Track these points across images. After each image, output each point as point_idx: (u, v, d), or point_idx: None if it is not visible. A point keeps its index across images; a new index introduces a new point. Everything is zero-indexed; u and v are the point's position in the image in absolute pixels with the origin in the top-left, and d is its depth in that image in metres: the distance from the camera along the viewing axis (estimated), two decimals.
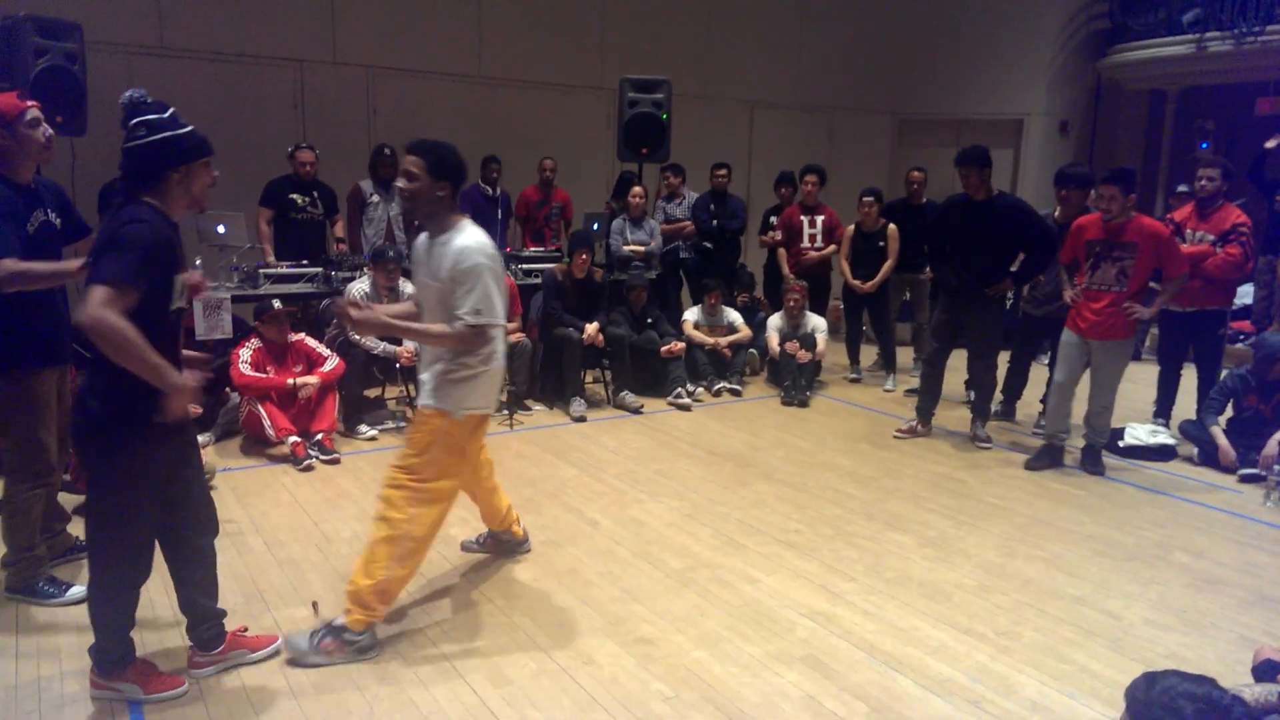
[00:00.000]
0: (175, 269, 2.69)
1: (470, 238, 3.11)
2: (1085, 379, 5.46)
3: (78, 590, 3.46)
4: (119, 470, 2.68)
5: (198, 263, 6.04)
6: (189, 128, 2.71)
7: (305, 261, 6.48)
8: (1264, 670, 2.73)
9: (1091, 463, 5.42)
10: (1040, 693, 3.02)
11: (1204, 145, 11.22)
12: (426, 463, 3.16)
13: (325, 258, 6.58)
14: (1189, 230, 5.81)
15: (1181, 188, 7.66)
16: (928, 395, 6.07)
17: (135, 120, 2.66)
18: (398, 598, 3.32)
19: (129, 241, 2.51)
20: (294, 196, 6.79)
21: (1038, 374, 6.55)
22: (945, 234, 5.84)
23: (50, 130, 3.41)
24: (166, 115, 2.69)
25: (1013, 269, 5.74)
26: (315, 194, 6.91)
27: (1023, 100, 11.36)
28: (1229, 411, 5.69)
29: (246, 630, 3.18)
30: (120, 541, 2.76)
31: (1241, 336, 8.48)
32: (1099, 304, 5.16)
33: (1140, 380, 7.80)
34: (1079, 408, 5.52)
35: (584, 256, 6.53)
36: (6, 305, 3.24)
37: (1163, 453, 5.70)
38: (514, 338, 6.36)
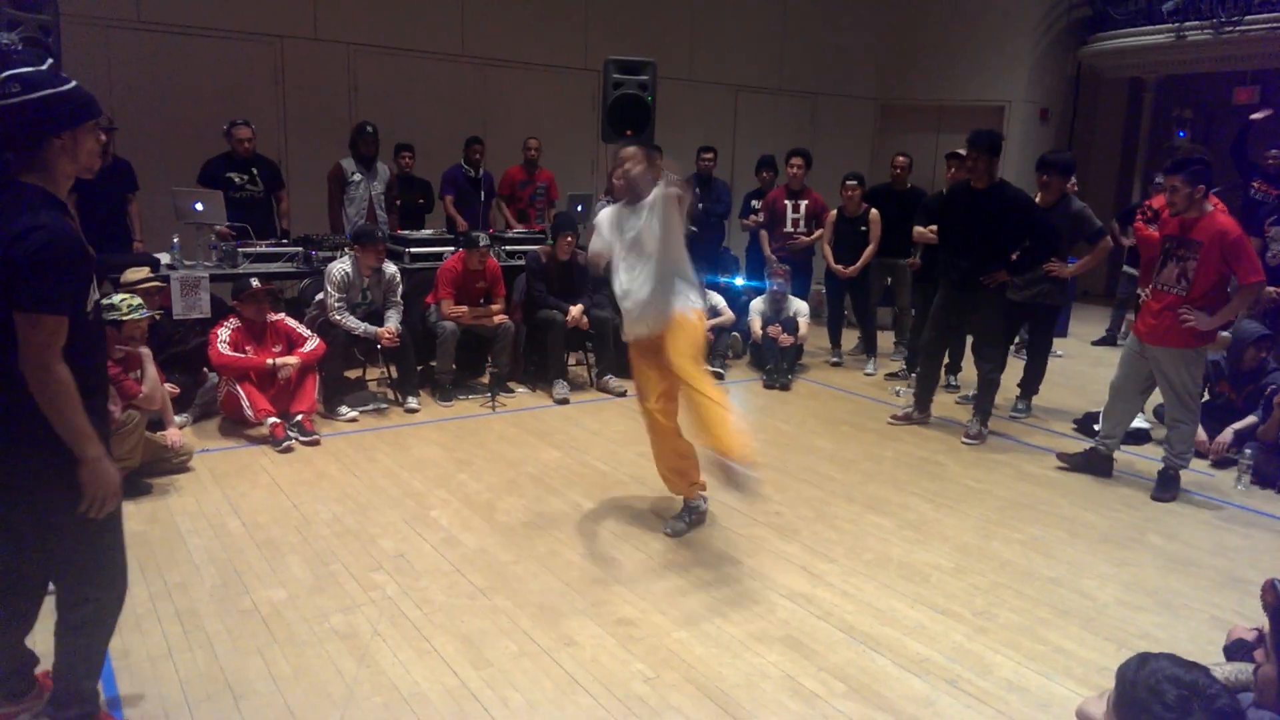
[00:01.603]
0: (90, 267, 2.32)
1: None
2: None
3: None
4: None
5: (175, 240, 5.98)
6: (73, 83, 2.23)
7: (265, 243, 6.39)
8: (1235, 649, 2.77)
9: (1160, 487, 4.85)
10: (1016, 672, 3.06)
11: (1181, 134, 11.31)
12: None
13: (305, 236, 6.52)
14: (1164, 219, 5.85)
15: (1159, 177, 7.71)
16: (925, 383, 5.99)
17: (5, 74, 2.14)
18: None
19: (51, 259, 2.12)
20: (231, 175, 6.68)
21: (1015, 359, 6.60)
22: (945, 221, 5.75)
23: None
24: (45, 68, 2.21)
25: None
26: (254, 171, 6.81)
27: (1004, 87, 11.40)
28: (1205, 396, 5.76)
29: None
30: (118, 551, 2.47)
31: None
32: (1158, 305, 4.72)
33: (1116, 365, 7.88)
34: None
35: (569, 239, 6.51)
36: None
37: (1137, 436, 5.77)
38: (498, 319, 6.34)
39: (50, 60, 2.25)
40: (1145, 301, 4.89)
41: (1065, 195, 5.85)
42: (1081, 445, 5.63)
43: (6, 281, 2.12)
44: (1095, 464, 5.14)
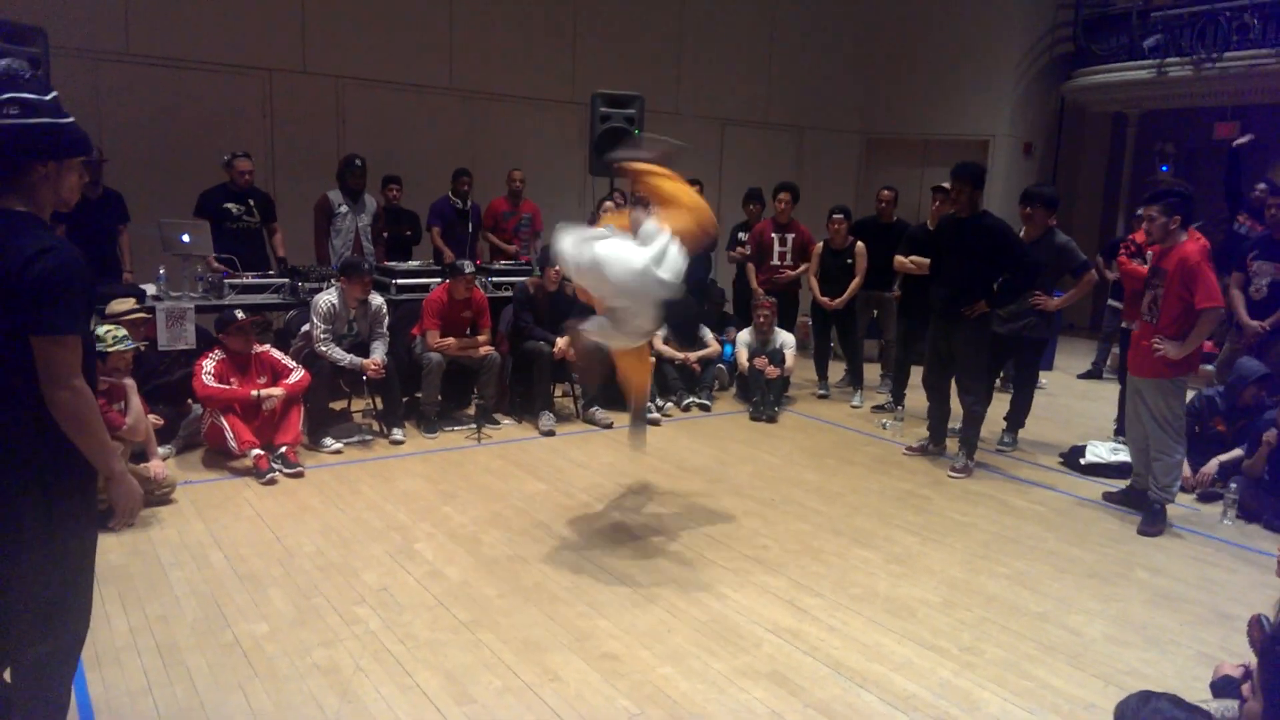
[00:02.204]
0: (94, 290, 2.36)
1: None
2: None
3: None
4: (82, 510, 2.33)
5: (161, 271, 5.97)
6: (71, 119, 2.28)
7: (251, 274, 6.39)
8: (1223, 686, 2.76)
9: (1146, 521, 4.85)
10: (1003, 709, 3.04)
11: (1164, 168, 11.46)
12: None
13: (293, 268, 6.52)
14: (1150, 252, 5.91)
15: (1142, 210, 7.78)
16: (936, 416, 6.00)
17: (6, 95, 2.15)
18: None
19: (69, 280, 2.14)
20: (229, 206, 6.72)
21: (1002, 392, 6.63)
22: (934, 252, 5.79)
23: None
24: (49, 98, 2.23)
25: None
26: (251, 202, 6.85)
27: (988, 122, 11.55)
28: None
29: None
30: (88, 588, 2.43)
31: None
32: (1136, 334, 4.92)
33: (1101, 399, 7.93)
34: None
35: (556, 270, 6.52)
36: None
37: (1124, 470, 5.76)
38: (483, 350, 6.33)
39: (55, 93, 2.27)
40: (1134, 333, 5.00)
41: (1050, 229, 5.90)
42: (1074, 477, 5.67)
43: (17, 304, 2.11)
44: (1135, 500, 5.11)
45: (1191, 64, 10.10)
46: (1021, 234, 6.02)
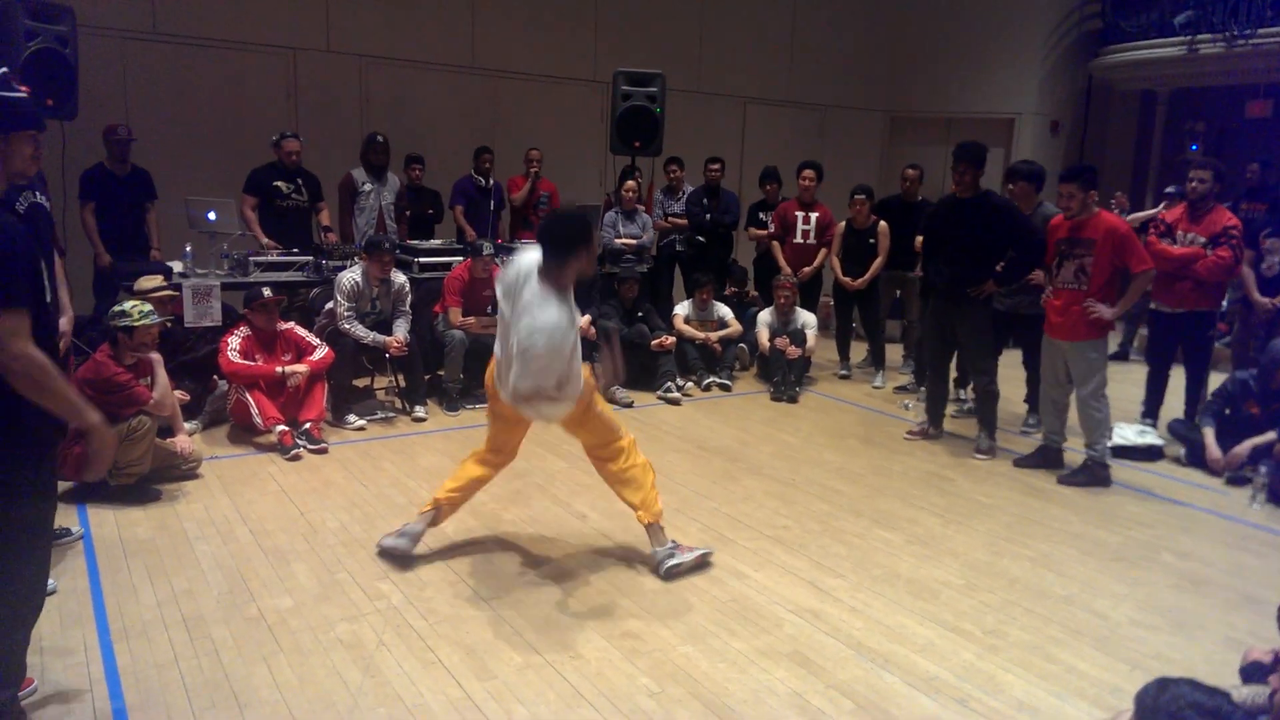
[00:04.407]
0: (39, 259, 2.35)
1: None
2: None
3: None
4: (40, 479, 2.38)
5: (188, 249, 6.00)
6: (22, 93, 2.38)
7: (295, 250, 6.45)
8: (1252, 672, 2.73)
9: (1075, 472, 5.27)
10: (1027, 692, 3.02)
11: (1194, 147, 11.27)
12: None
13: (315, 246, 6.54)
14: (1180, 232, 5.83)
15: (1170, 189, 7.68)
16: (934, 398, 5.99)
17: None
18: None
19: (4, 254, 2.15)
20: (278, 184, 6.76)
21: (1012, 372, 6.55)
22: (934, 233, 5.79)
23: None
24: None
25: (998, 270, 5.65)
26: (299, 181, 6.88)
27: (1014, 100, 11.38)
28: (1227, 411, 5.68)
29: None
30: (39, 561, 2.48)
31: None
32: (1059, 302, 5.16)
33: (1128, 380, 7.83)
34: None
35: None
36: None
37: (1150, 453, 5.72)
38: None
39: (4, 70, 2.36)
40: (1048, 301, 5.28)
41: (1038, 204, 5.81)
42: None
43: None
44: (1049, 459, 5.43)
45: (1223, 41, 9.90)
46: None
